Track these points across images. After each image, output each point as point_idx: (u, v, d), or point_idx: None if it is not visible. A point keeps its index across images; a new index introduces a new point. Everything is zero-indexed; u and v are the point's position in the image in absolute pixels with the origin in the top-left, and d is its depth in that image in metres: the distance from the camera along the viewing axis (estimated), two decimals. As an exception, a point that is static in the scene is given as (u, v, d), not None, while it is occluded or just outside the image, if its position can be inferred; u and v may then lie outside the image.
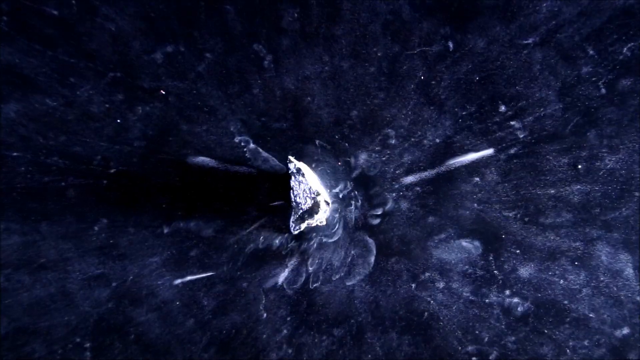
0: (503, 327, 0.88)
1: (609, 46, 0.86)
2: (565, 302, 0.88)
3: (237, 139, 0.90)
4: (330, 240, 0.92)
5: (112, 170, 0.90)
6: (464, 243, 0.90)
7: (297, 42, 0.89)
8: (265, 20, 0.89)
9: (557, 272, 0.88)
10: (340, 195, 0.92)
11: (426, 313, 0.90)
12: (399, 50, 0.89)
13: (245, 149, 0.91)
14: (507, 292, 0.89)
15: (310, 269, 0.91)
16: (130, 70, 0.88)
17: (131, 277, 0.90)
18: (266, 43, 0.89)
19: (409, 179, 0.92)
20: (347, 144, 0.91)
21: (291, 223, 0.85)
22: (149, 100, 0.89)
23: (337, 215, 0.92)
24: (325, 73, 0.90)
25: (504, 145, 0.89)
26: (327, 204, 0.89)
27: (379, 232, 0.92)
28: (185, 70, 0.89)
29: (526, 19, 0.87)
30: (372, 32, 0.89)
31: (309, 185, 0.84)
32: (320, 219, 0.87)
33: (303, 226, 0.86)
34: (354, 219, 0.92)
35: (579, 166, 0.88)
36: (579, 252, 0.88)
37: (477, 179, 0.90)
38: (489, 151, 0.89)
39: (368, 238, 0.92)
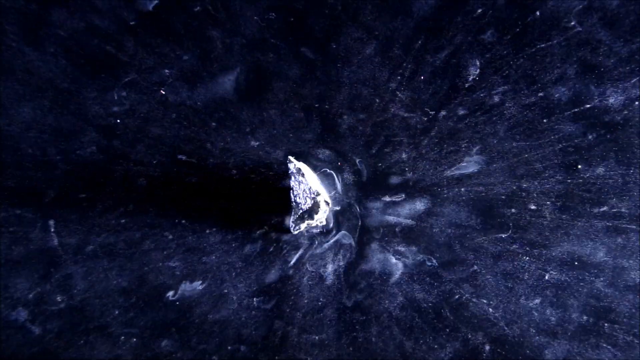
0: None
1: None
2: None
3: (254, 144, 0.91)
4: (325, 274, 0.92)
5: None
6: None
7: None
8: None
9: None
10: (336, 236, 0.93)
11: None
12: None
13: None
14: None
15: (303, 280, 0.91)
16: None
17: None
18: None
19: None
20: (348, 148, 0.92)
21: (291, 223, 0.85)
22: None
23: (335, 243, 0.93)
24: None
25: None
26: (327, 204, 0.89)
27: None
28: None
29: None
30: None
31: (309, 185, 0.84)
32: (320, 219, 0.87)
33: (303, 226, 0.86)
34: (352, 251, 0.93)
35: (579, 166, 0.88)
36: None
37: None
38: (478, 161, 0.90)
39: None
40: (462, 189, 0.91)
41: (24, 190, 0.89)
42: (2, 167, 0.88)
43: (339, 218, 0.93)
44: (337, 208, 0.92)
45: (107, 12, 0.89)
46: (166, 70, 0.90)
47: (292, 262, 0.91)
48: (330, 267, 0.91)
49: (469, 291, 0.89)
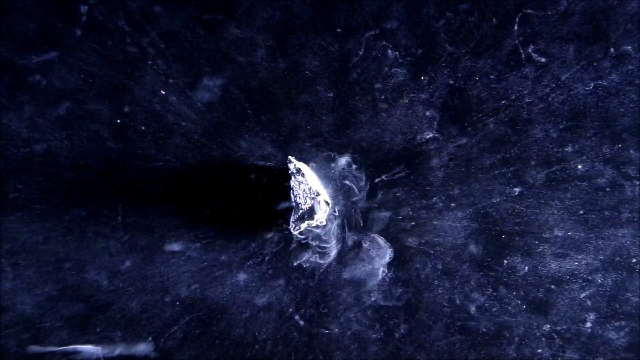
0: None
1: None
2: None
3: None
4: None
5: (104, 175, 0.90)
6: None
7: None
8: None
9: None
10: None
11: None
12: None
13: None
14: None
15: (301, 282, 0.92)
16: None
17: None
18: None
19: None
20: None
21: (291, 223, 0.85)
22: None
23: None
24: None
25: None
26: (327, 204, 0.89)
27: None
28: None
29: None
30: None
31: (309, 185, 0.83)
32: (320, 218, 0.87)
33: (303, 226, 0.85)
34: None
35: (579, 166, 0.88)
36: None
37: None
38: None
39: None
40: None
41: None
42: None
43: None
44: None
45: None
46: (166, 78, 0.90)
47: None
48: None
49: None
